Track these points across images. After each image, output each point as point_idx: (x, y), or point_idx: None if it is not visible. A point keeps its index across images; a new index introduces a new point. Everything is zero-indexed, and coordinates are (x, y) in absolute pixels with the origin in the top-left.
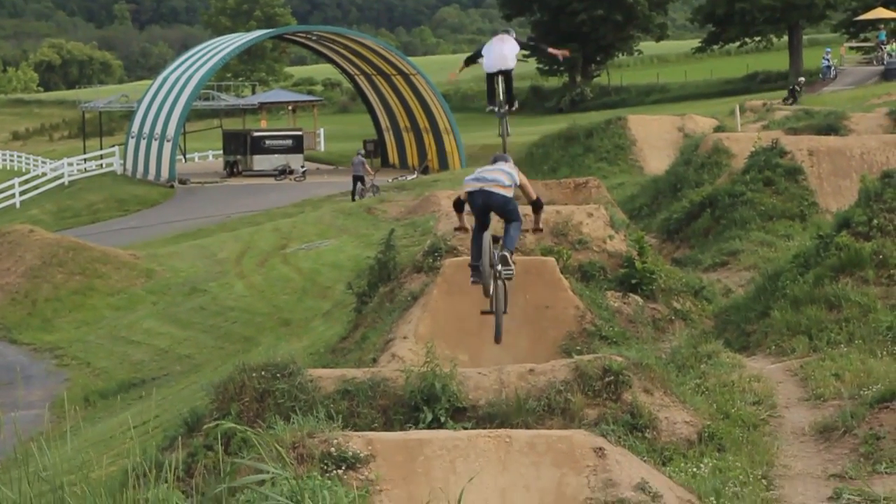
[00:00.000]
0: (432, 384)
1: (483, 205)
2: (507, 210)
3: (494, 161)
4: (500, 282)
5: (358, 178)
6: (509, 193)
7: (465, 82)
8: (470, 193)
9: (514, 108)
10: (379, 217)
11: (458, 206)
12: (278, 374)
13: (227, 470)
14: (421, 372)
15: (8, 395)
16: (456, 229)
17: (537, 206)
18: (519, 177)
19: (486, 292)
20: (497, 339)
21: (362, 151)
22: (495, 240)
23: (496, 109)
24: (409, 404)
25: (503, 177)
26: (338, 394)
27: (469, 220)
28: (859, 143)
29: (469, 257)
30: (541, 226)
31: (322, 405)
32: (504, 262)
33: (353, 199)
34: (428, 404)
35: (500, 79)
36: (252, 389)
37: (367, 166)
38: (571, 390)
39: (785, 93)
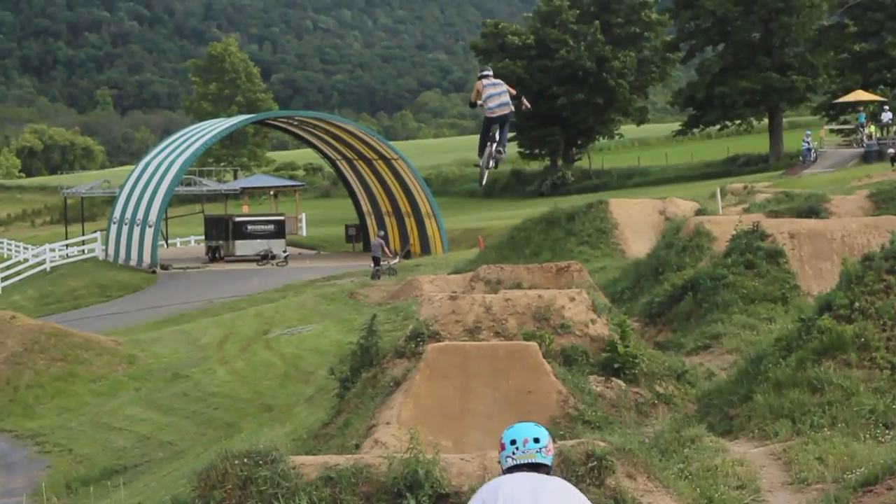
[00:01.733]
0: (415, 470)
1: None
2: None
3: None
4: None
5: (377, 259)
6: None
7: (447, 166)
8: None
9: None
10: (361, 302)
11: None
12: (261, 461)
13: None
14: (404, 458)
15: None
16: None
17: None
18: None
19: None
20: None
21: (382, 233)
22: None
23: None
24: (391, 491)
25: None
26: (320, 480)
27: None
28: (840, 226)
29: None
30: None
31: (304, 492)
32: None
33: (376, 278)
34: (411, 491)
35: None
36: (234, 477)
37: (386, 249)
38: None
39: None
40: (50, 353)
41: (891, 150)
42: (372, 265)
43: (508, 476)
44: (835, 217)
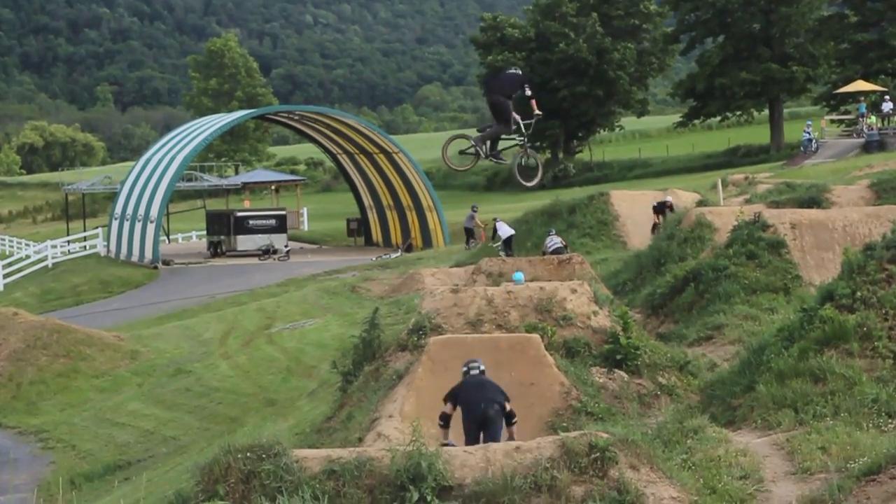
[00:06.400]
0: (418, 463)
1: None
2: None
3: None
4: None
5: (469, 231)
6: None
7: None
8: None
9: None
10: (363, 296)
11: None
12: (264, 455)
13: None
14: (407, 451)
15: None
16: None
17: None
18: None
19: None
20: None
21: (476, 207)
22: None
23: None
24: (395, 484)
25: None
26: (323, 474)
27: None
28: (841, 216)
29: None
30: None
31: (308, 486)
32: None
33: (468, 248)
34: (414, 483)
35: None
36: (238, 471)
37: (478, 220)
38: (558, 467)
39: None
40: (52, 350)
41: None
42: (465, 237)
43: None
44: (836, 207)
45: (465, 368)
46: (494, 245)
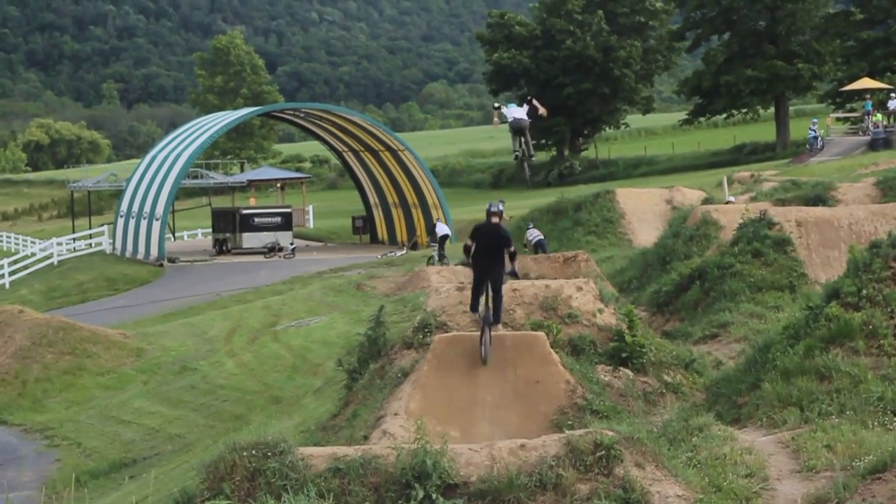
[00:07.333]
0: (423, 461)
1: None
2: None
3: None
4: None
5: None
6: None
7: (454, 157)
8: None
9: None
10: (368, 293)
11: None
12: (269, 453)
13: None
14: (412, 449)
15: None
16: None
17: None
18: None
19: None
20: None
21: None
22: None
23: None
24: (400, 481)
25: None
26: (329, 472)
27: None
28: (847, 214)
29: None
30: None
31: (313, 483)
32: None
33: None
34: (419, 481)
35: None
36: (243, 468)
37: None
38: (563, 465)
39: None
40: (58, 347)
41: None
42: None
43: None
44: (842, 205)
45: (488, 206)
46: (431, 245)
